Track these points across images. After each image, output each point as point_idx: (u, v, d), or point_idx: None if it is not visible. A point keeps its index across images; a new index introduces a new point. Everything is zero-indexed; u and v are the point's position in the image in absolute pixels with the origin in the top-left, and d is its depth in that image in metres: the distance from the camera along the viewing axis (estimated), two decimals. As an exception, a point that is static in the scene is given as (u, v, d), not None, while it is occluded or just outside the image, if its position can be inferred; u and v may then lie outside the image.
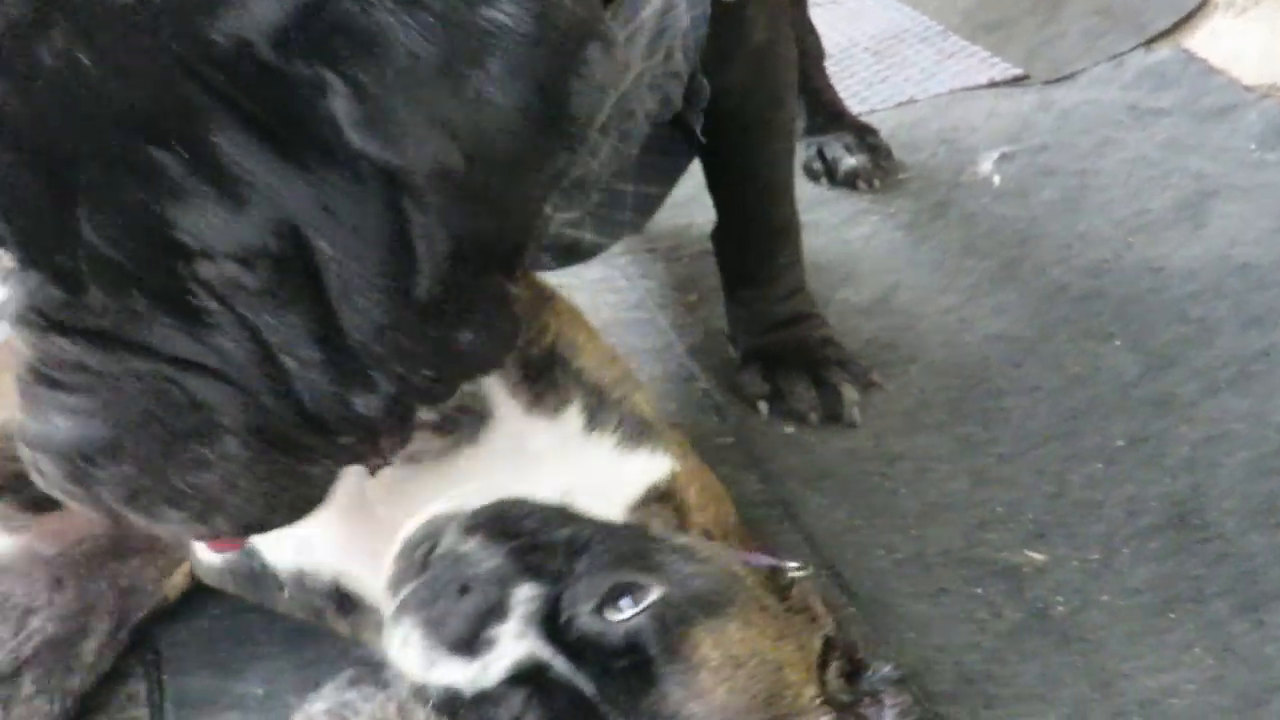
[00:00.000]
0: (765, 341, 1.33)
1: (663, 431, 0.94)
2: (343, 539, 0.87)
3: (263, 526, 0.72)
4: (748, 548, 0.91)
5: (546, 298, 0.93)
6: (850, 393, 1.27)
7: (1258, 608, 1.00)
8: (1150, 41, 2.01)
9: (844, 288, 1.50)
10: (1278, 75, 1.78)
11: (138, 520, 0.69)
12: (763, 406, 1.29)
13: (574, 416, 0.90)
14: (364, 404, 0.68)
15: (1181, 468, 1.17)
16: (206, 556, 0.96)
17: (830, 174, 1.74)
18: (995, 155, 1.74)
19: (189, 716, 0.98)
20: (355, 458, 0.74)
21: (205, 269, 0.62)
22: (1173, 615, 1.02)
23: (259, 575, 0.93)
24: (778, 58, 1.20)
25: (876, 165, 1.72)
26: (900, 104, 1.99)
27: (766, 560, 0.86)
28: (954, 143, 1.82)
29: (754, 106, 1.19)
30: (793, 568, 0.85)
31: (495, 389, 0.88)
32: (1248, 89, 1.77)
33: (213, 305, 0.63)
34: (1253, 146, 1.65)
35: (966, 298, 1.45)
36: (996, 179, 1.70)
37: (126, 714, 0.99)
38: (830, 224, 1.64)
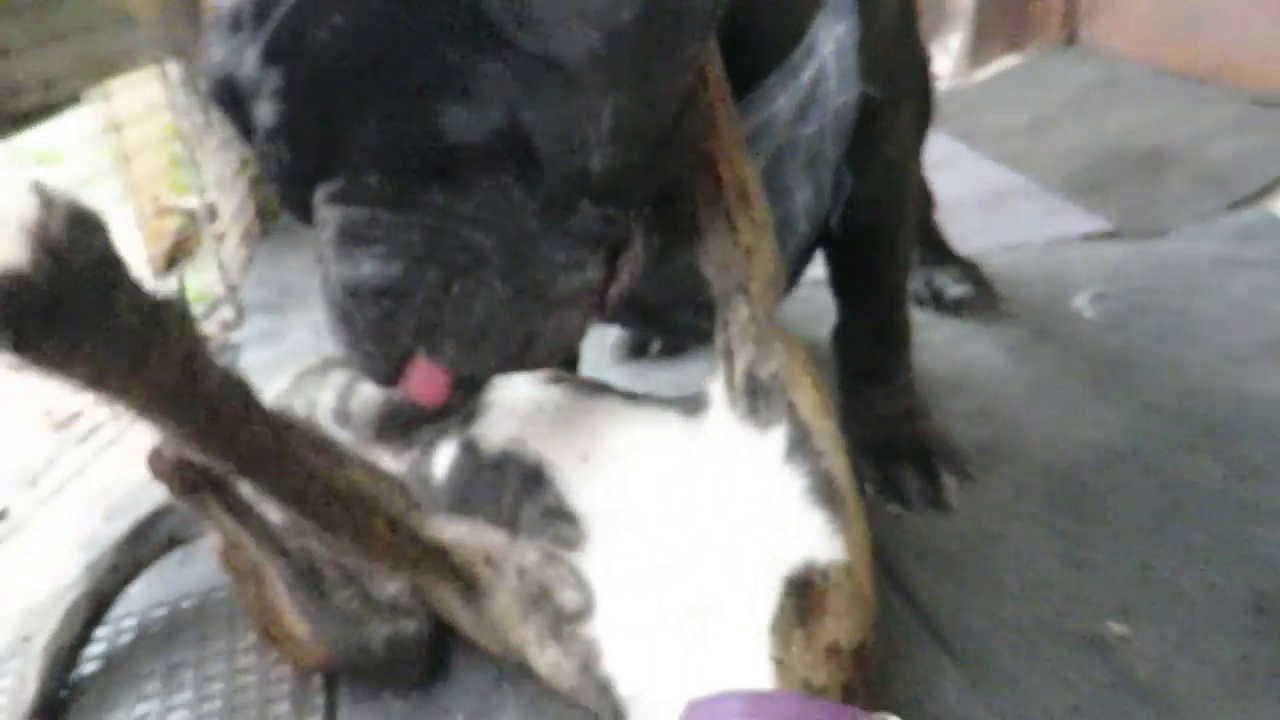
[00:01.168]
0: (877, 432, 1.46)
1: (850, 511, 0.88)
2: (557, 436, 0.96)
3: (517, 365, 0.84)
4: (866, 681, 0.85)
5: (783, 332, 0.93)
6: (951, 481, 1.40)
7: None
8: (1236, 204, 2.17)
9: (950, 397, 1.64)
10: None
11: (422, 354, 0.81)
12: (869, 489, 1.42)
13: (778, 441, 0.87)
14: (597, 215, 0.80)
15: (1264, 566, 1.26)
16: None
17: (937, 300, 1.90)
18: (1091, 294, 1.90)
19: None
20: (590, 292, 0.85)
21: (459, 153, 0.76)
22: (1252, 685, 1.11)
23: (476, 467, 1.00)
24: (906, 175, 1.35)
25: (980, 295, 1.88)
26: (1003, 248, 2.17)
27: None
28: (1054, 281, 1.97)
29: (882, 218, 1.33)
30: None
31: (719, 384, 0.92)
32: (1331, 247, 1.91)
33: (468, 176, 0.77)
34: (1335, 295, 1.78)
35: (1064, 411, 1.58)
36: (1092, 314, 1.85)
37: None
38: (937, 344, 1.79)
